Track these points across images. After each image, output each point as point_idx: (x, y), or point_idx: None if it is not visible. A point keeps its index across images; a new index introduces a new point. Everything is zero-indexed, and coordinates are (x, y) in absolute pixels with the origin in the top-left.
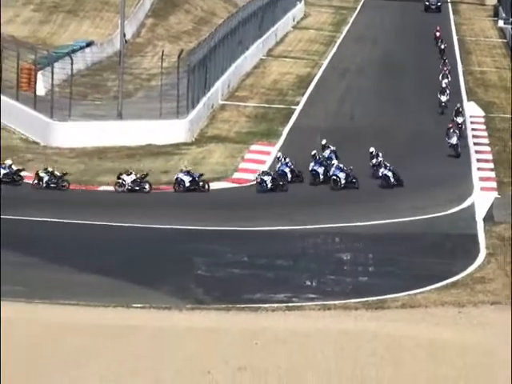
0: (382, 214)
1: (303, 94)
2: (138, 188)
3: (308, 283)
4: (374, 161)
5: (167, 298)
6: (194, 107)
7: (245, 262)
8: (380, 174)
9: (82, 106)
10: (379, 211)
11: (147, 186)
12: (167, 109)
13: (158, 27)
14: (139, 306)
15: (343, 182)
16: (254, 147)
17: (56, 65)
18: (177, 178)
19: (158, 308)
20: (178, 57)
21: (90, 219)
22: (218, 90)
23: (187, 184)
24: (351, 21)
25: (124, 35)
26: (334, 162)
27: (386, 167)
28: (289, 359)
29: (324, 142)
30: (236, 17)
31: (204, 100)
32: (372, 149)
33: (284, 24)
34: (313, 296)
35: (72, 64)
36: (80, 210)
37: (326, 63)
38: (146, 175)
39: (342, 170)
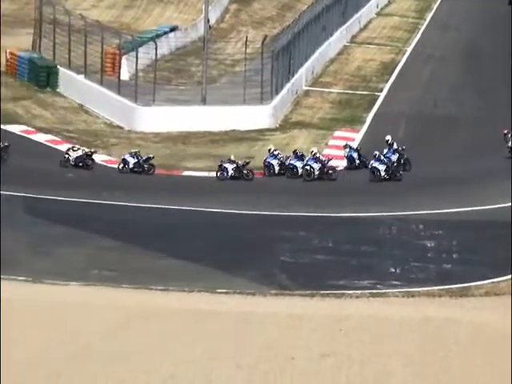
0: (464, 202)
1: (387, 81)
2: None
3: (392, 270)
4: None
5: (252, 284)
6: (277, 93)
7: (329, 248)
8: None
9: (165, 91)
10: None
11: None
12: (251, 94)
13: (241, 13)
14: (224, 291)
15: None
16: (337, 133)
17: (140, 49)
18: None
19: (242, 293)
20: (262, 43)
21: (174, 204)
22: (301, 76)
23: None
24: (435, 8)
25: (208, 20)
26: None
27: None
28: (372, 346)
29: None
30: (320, 3)
31: (288, 86)
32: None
33: (368, 11)
34: (396, 283)
35: (156, 49)
36: (165, 195)
37: (409, 50)
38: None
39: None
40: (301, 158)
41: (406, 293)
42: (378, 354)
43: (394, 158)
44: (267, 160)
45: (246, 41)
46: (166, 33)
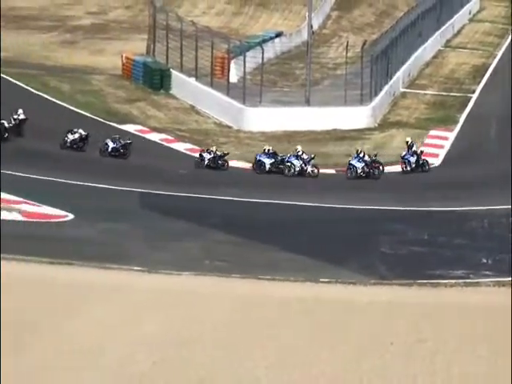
0: None
1: (479, 83)
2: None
3: (484, 261)
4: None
5: (353, 275)
6: (376, 94)
7: (425, 240)
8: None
9: (272, 93)
10: None
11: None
12: (352, 96)
13: (342, 19)
14: (326, 280)
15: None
16: (432, 132)
17: (248, 54)
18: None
19: (343, 283)
20: (362, 47)
21: (281, 199)
22: (398, 78)
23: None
24: None
25: (311, 26)
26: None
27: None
28: (465, 332)
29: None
30: (416, 10)
31: (386, 88)
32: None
33: (461, 17)
34: (488, 273)
35: (263, 53)
36: (273, 191)
37: (499, 54)
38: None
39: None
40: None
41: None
42: (470, 341)
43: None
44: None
45: (347, 45)
46: (271, 38)
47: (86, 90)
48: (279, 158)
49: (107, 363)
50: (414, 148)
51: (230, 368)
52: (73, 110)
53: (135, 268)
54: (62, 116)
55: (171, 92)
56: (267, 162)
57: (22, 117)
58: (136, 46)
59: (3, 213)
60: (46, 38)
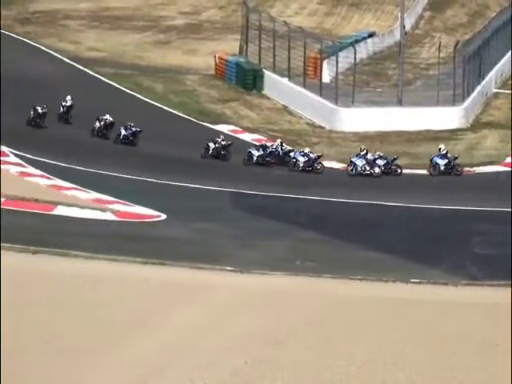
0: None
1: None
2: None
3: None
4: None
5: (445, 275)
6: (469, 95)
7: None
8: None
9: (364, 93)
10: None
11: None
12: (444, 96)
13: (435, 20)
14: (417, 281)
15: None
16: None
17: (340, 54)
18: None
19: (435, 283)
20: (454, 47)
21: (371, 199)
22: (491, 78)
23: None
24: None
25: (404, 27)
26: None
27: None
28: None
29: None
30: (508, 10)
31: (478, 88)
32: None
33: None
34: None
35: (355, 53)
36: (362, 191)
37: None
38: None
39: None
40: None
41: None
42: None
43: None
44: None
45: (440, 46)
46: (364, 38)
47: (179, 90)
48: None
49: (199, 362)
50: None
51: (322, 367)
52: (166, 110)
53: (227, 268)
54: (155, 116)
55: (264, 92)
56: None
57: (69, 103)
58: (229, 46)
59: (96, 212)
60: (140, 38)
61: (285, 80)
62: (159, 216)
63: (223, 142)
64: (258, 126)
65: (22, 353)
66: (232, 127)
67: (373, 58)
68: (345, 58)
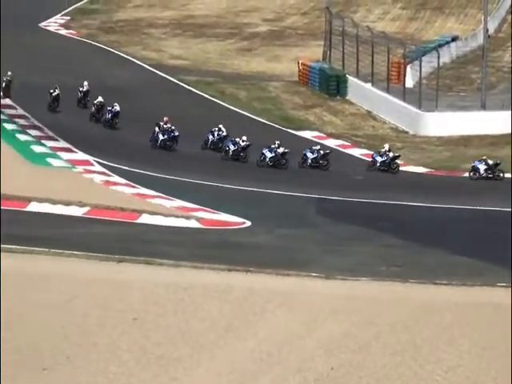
0: None
1: None
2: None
3: None
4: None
5: None
6: None
7: None
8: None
9: (447, 97)
10: None
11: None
12: None
13: None
14: (504, 284)
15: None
16: None
17: (423, 58)
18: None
19: None
20: None
21: (448, 203)
22: None
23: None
24: None
25: (487, 30)
26: None
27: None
28: None
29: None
30: None
31: None
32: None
33: None
34: None
35: (438, 58)
36: (443, 195)
37: None
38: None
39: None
40: None
41: None
42: None
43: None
44: None
45: None
46: (447, 42)
47: (262, 97)
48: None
49: (285, 369)
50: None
51: (408, 372)
52: (249, 117)
53: (313, 274)
54: (238, 123)
55: (347, 98)
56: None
57: (117, 109)
58: (312, 53)
59: (181, 220)
60: (223, 46)
61: (368, 85)
62: (244, 223)
63: (281, 150)
64: (341, 132)
65: (120, 363)
66: (316, 133)
67: (456, 61)
68: (428, 63)
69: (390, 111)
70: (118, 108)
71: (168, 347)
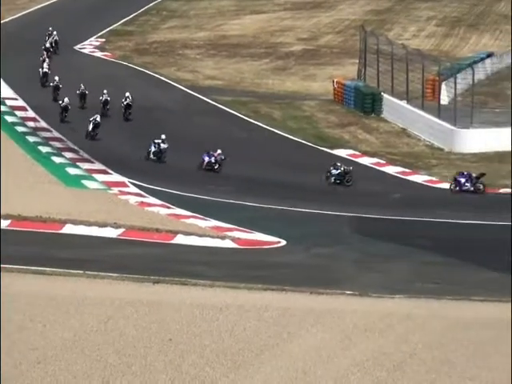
0: None
1: None
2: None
3: None
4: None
5: None
6: None
7: None
8: None
9: (482, 114)
10: None
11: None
12: None
13: None
14: None
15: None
16: None
17: (458, 75)
18: None
19: None
20: None
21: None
22: None
23: None
24: None
25: None
26: None
27: None
28: None
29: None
30: None
31: None
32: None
33: None
34: None
35: (473, 74)
36: (479, 211)
37: None
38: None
39: None
40: None
41: None
42: None
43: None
44: None
45: None
46: (482, 59)
47: (297, 116)
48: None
49: None
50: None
51: None
52: (284, 136)
53: (347, 292)
54: (273, 142)
55: (382, 115)
56: None
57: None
58: (347, 71)
59: (216, 240)
60: (258, 65)
61: (403, 103)
62: (279, 242)
63: (343, 168)
64: (376, 150)
65: None
66: (351, 151)
67: (491, 78)
68: (463, 80)
69: (424, 128)
70: (98, 119)
71: (204, 367)
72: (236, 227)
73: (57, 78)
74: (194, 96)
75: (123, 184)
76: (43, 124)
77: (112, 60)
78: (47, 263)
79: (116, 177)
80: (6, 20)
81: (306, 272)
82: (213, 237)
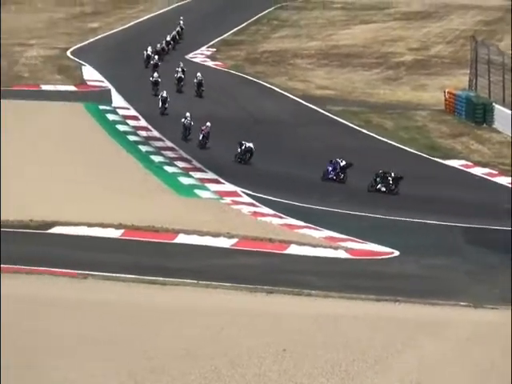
0: None
1: None
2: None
3: None
4: None
5: None
6: None
7: None
8: None
9: None
10: None
11: None
12: None
13: None
14: None
15: None
16: None
17: None
18: None
19: None
20: None
21: None
22: None
23: None
24: None
25: None
26: None
27: None
28: None
29: None
30: None
31: None
32: None
33: None
34: None
35: None
36: None
37: None
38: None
39: None
40: None
41: None
42: None
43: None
44: None
45: None
46: None
47: (409, 126)
48: None
49: None
50: None
51: None
52: (396, 146)
53: (461, 303)
54: (385, 152)
55: (494, 126)
56: None
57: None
58: (458, 81)
59: (329, 251)
60: (369, 75)
61: None
62: (392, 253)
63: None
64: (488, 161)
65: None
66: (463, 162)
67: None
68: None
69: None
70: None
71: (317, 378)
72: (349, 237)
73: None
74: (306, 105)
75: (236, 194)
76: (155, 133)
77: (223, 69)
78: (160, 273)
79: (228, 186)
80: (118, 29)
81: (420, 283)
82: (326, 247)
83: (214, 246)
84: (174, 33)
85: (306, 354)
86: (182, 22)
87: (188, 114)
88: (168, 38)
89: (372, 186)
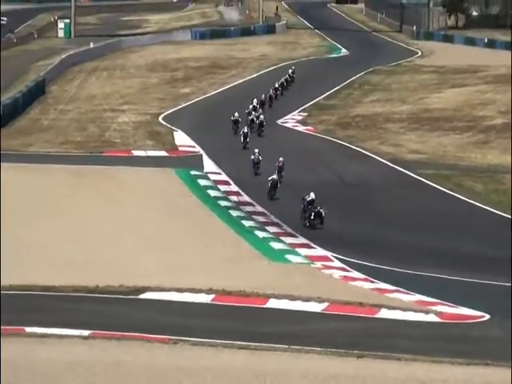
0: None
1: None
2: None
3: None
4: None
5: None
6: None
7: None
8: None
9: None
10: None
11: None
12: None
13: None
14: None
15: None
16: None
17: None
18: None
19: None
20: None
21: None
22: None
23: None
24: None
25: None
26: None
27: None
28: None
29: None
30: None
31: None
32: None
33: None
34: None
35: None
36: None
37: None
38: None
39: None
40: None
41: None
42: None
43: None
44: None
45: None
46: None
47: (499, 189)
48: None
49: None
50: None
51: None
52: (485, 209)
53: None
54: (474, 216)
55: None
56: None
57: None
58: None
59: (420, 315)
60: (460, 139)
61: None
62: (482, 316)
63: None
64: None
65: None
66: None
67: None
68: None
69: None
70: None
71: None
72: (440, 301)
73: (256, 150)
74: (397, 170)
75: (327, 258)
76: (246, 198)
77: (314, 134)
78: (251, 338)
79: (319, 251)
80: (209, 94)
81: (509, 346)
82: (416, 311)
83: (304, 310)
84: (283, 80)
85: None
86: (290, 71)
87: (256, 150)
88: (276, 85)
89: None
